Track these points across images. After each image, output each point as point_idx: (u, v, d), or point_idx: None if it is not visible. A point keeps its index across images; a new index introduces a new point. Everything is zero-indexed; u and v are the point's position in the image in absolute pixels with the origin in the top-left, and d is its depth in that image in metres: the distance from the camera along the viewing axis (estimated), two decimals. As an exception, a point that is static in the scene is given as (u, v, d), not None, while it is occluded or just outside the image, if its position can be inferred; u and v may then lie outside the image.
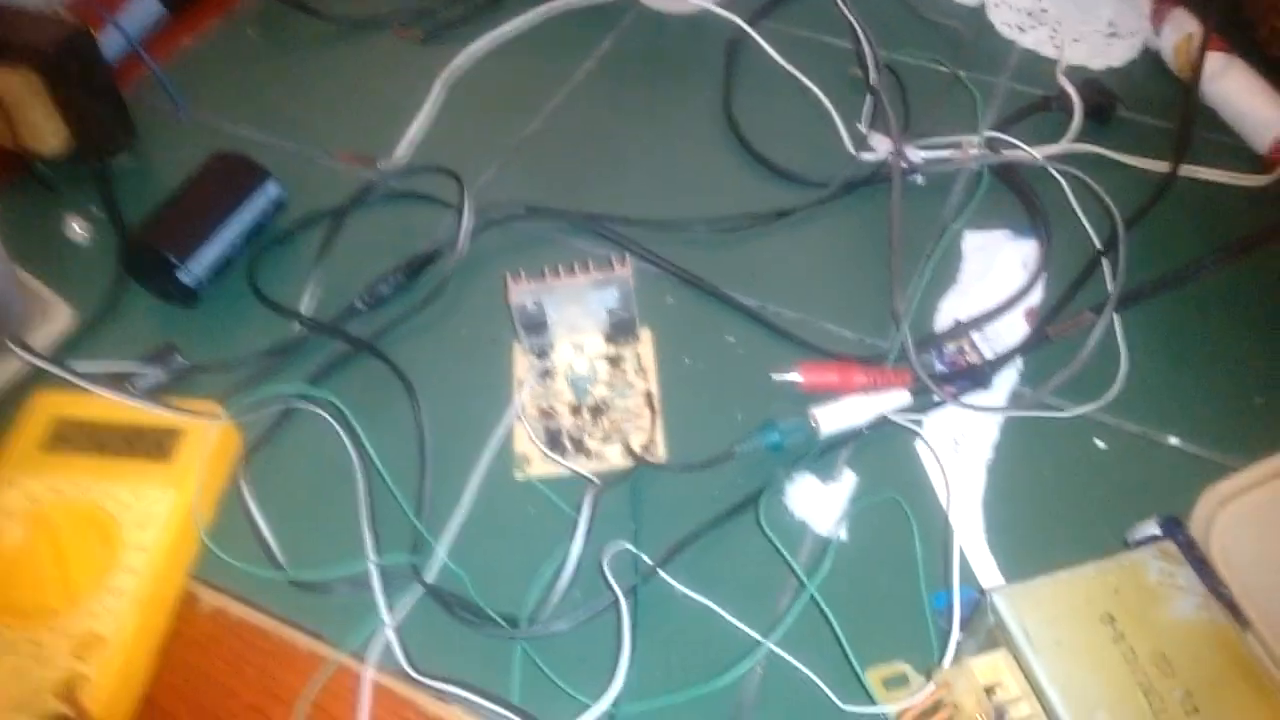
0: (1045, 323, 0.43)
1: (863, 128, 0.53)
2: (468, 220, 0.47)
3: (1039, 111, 0.53)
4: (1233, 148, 0.53)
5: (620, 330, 0.43)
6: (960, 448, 0.40)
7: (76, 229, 0.49)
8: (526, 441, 0.40)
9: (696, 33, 0.61)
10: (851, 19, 0.57)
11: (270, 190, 0.47)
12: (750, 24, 0.60)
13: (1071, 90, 0.53)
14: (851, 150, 0.52)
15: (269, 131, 0.54)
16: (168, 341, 0.43)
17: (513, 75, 0.58)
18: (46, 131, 0.50)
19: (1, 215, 0.49)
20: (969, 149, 0.51)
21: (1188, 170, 0.50)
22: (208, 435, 0.38)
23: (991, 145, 0.51)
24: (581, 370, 0.42)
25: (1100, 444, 0.40)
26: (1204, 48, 0.51)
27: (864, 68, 0.55)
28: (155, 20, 0.60)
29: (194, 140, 0.53)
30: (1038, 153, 0.50)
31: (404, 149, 0.53)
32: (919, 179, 0.51)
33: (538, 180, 0.52)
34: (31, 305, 0.44)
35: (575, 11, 0.62)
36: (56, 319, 0.44)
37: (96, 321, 0.45)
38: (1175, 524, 0.35)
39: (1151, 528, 0.35)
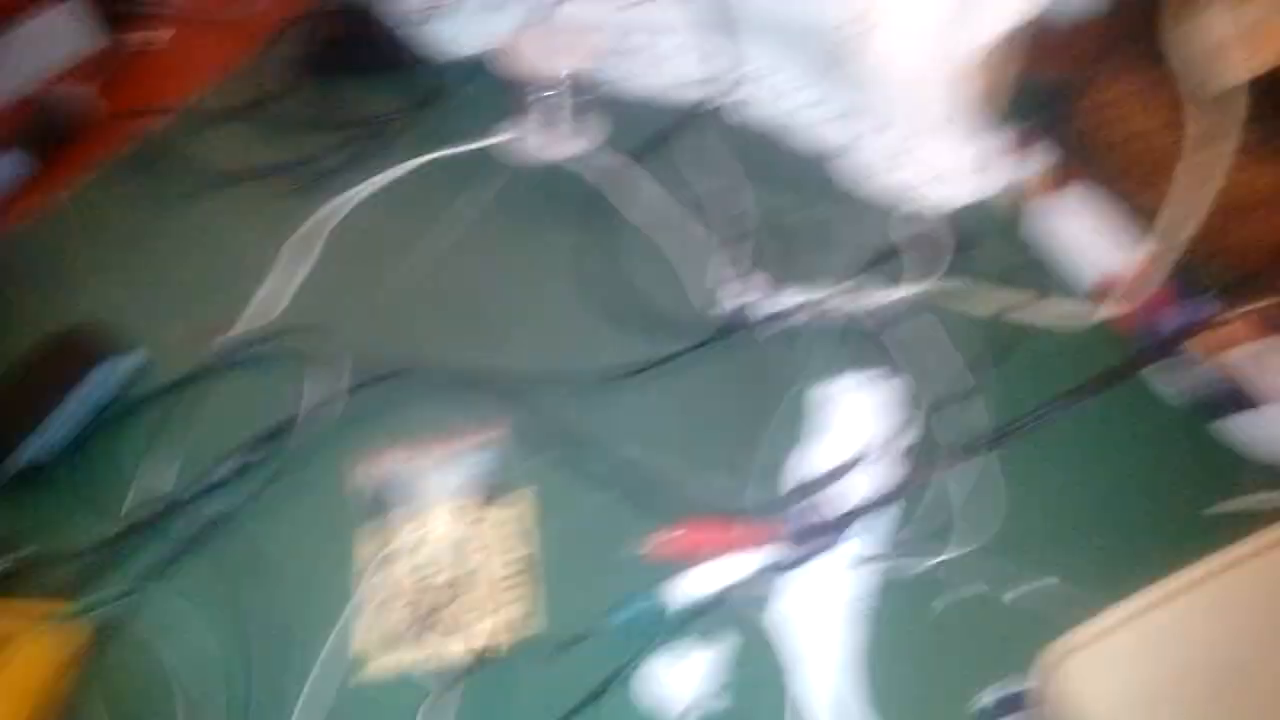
0: (888, 479, 0.45)
1: (726, 278, 0.55)
2: (344, 381, 0.47)
3: (891, 261, 0.56)
4: (1075, 285, 0.56)
5: (486, 494, 0.43)
6: (820, 605, 0.41)
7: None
8: (371, 633, 0.40)
9: (565, 183, 0.63)
10: (719, 164, 0.60)
11: (120, 362, 0.47)
12: (621, 174, 0.62)
13: (918, 242, 0.56)
14: (714, 304, 0.54)
15: (133, 291, 0.54)
16: (7, 531, 0.41)
17: (388, 229, 0.59)
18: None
19: None
20: (828, 298, 0.53)
21: (1025, 311, 0.53)
22: (40, 643, 0.37)
23: (848, 293, 0.54)
24: (453, 534, 0.42)
25: (937, 604, 0.42)
26: (1049, 185, 0.55)
27: (731, 216, 0.58)
28: (20, 173, 0.60)
29: (51, 299, 0.53)
30: (888, 299, 0.52)
31: (279, 307, 0.53)
32: (780, 327, 0.53)
33: (406, 338, 0.52)
34: None
35: (449, 161, 0.63)
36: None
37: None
38: (1015, 699, 0.36)
39: (997, 693, 0.36)
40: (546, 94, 0.62)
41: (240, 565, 0.41)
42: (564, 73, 0.60)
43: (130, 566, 0.41)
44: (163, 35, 0.74)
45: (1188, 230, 0.50)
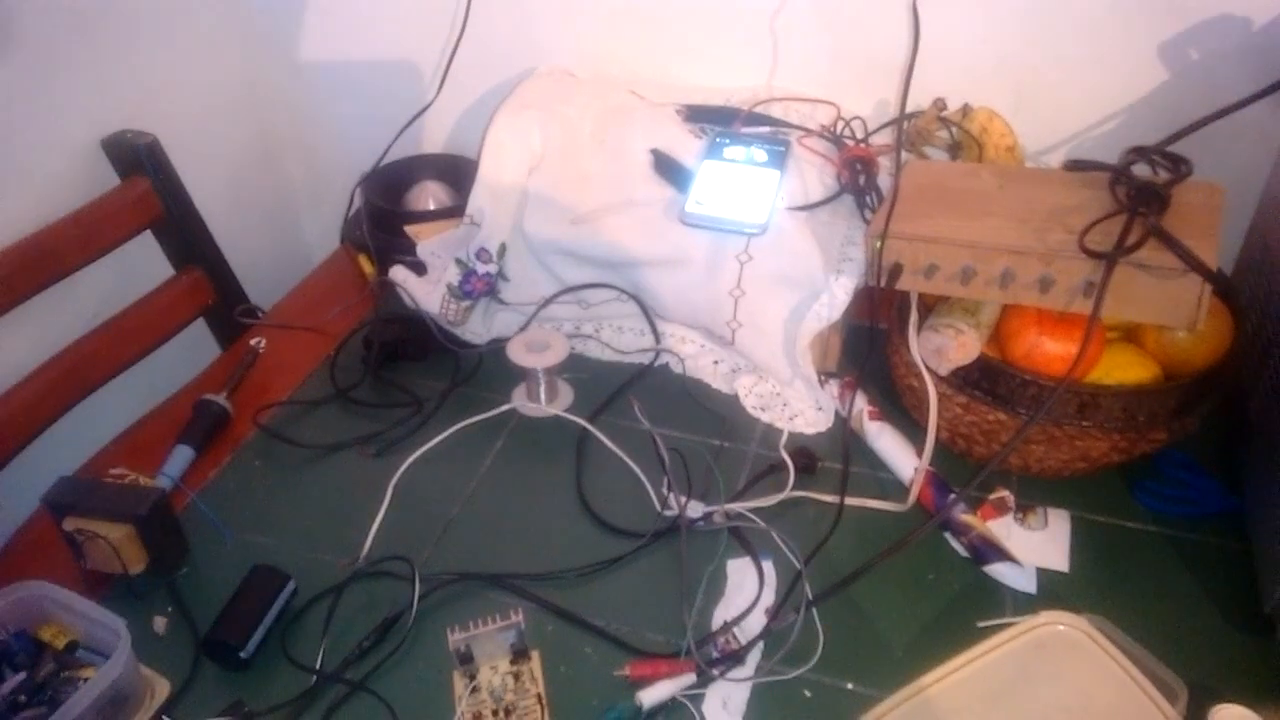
0: (772, 618, 0.73)
1: (664, 494, 0.84)
2: (417, 591, 0.75)
3: (770, 474, 0.86)
4: (892, 482, 0.86)
5: (519, 656, 0.71)
6: (727, 708, 0.68)
7: (159, 625, 0.75)
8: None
9: (558, 429, 0.93)
10: (649, 429, 0.90)
11: (289, 586, 0.75)
12: (590, 421, 0.93)
13: (788, 459, 0.86)
14: (658, 509, 0.84)
15: (278, 537, 0.82)
16: (237, 699, 0.68)
17: (439, 475, 0.88)
18: (135, 560, 0.77)
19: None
20: (733, 504, 0.82)
21: (857, 502, 0.82)
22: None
23: (747, 499, 0.83)
24: (496, 684, 0.70)
25: (807, 693, 0.69)
26: (870, 415, 0.86)
27: (659, 453, 0.88)
28: (189, 461, 0.89)
29: (229, 549, 0.81)
30: (765, 503, 0.82)
31: (371, 538, 0.81)
32: (700, 526, 0.82)
33: (462, 551, 0.80)
34: (143, 682, 0.69)
35: (476, 423, 0.93)
36: (160, 691, 0.69)
37: (185, 688, 0.70)
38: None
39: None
40: (530, 378, 0.93)
41: (388, 703, 0.68)
42: (540, 368, 0.92)
43: (310, 715, 0.68)
44: (263, 342, 1.05)
45: (934, 438, 0.80)
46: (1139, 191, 0.72)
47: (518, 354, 0.92)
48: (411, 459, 0.89)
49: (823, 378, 0.94)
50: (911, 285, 0.78)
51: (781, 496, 0.84)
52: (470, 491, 0.87)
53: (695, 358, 0.99)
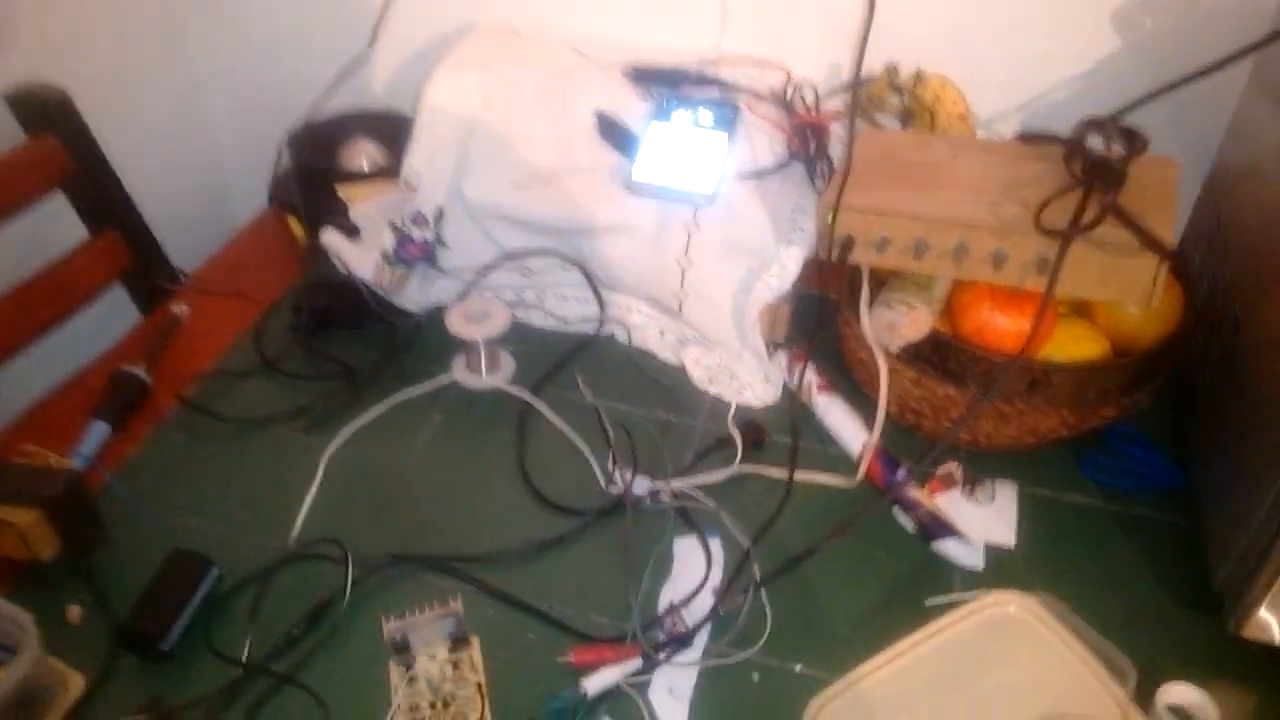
0: (719, 600, 0.71)
1: (609, 470, 0.82)
2: (350, 575, 0.71)
3: (717, 450, 0.84)
4: (841, 457, 0.84)
5: (457, 643, 0.68)
6: (674, 693, 0.67)
7: (74, 615, 0.70)
8: (404, 728, 0.64)
9: (499, 402, 0.89)
10: (593, 403, 0.87)
11: (212, 572, 0.71)
12: (533, 393, 0.89)
13: (736, 433, 0.84)
14: (603, 486, 0.81)
15: (202, 518, 0.78)
16: (155, 695, 0.65)
17: (373, 451, 0.84)
18: (45, 546, 0.72)
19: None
20: (679, 480, 0.80)
21: (806, 477, 0.81)
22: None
23: (693, 475, 0.81)
24: (434, 673, 0.67)
25: (755, 676, 0.68)
26: (819, 388, 0.84)
27: (603, 428, 0.85)
28: (105, 438, 0.84)
29: (148, 529, 0.76)
30: (713, 479, 0.80)
31: (302, 519, 0.77)
32: (646, 504, 0.80)
33: (398, 532, 0.77)
34: (54, 677, 0.65)
35: (413, 397, 0.89)
36: (74, 686, 0.65)
37: (100, 682, 0.66)
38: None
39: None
40: (470, 348, 0.90)
41: (309, 698, 0.65)
42: (480, 338, 0.88)
43: (234, 709, 0.65)
44: (186, 308, 1.00)
45: (884, 416, 0.79)
46: (1095, 167, 0.71)
47: (457, 324, 0.88)
48: (344, 434, 0.85)
49: (771, 348, 0.92)
50: (864, 259, 0.75)
51: (729, 472, 0.82)
52: (407, 468, 0.83)
53: (642, 328, 0.96)
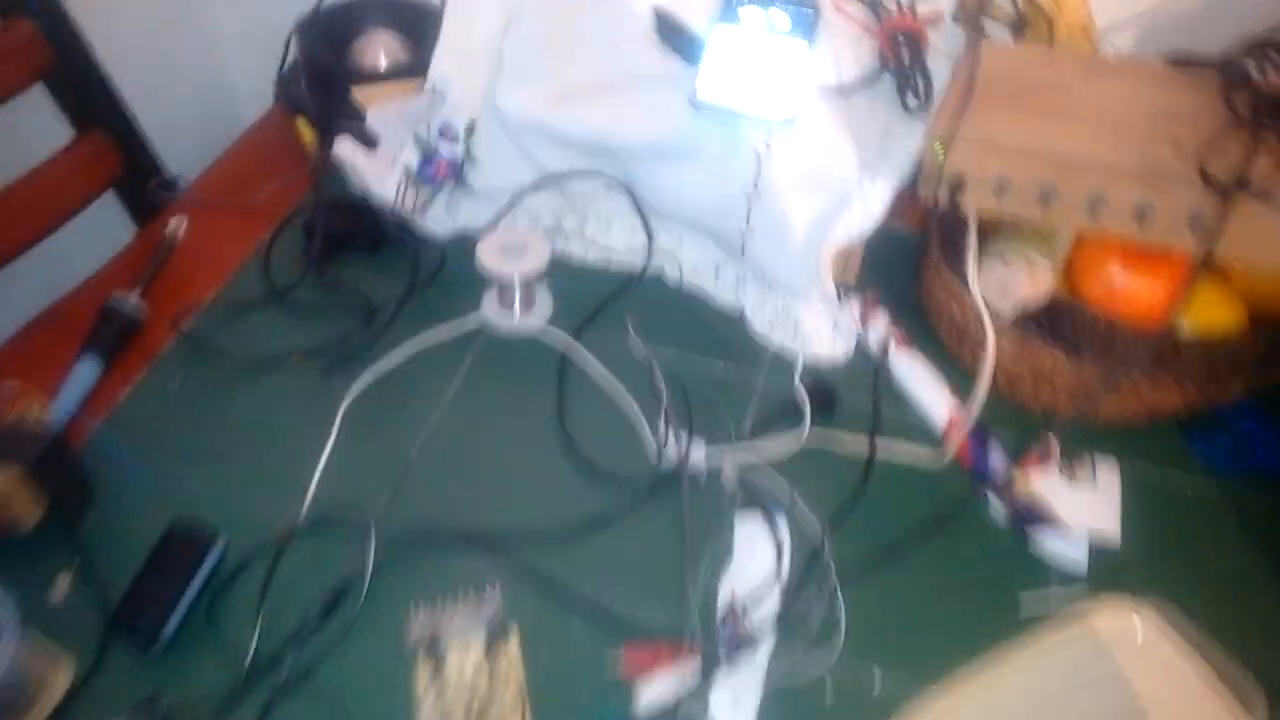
0: (788, 599, 0.63)
1: (664, 436, 0.72)
2: (372, 556, 0.63)
3: (782, 415, 0.74)
4: (921, 427, 0.74)
5: (494, 639, 0.60)
6: (738, 708, 0.59)
7: (62, 587, 0.62)
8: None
9: (536, 348, 0.79)
10: (655, 326, 0.77)
11: (216, 548, 0.63)
12: (575, 338, 0.79)
13: (805, 396, 0.74)
14: (655, 453, 0.72)
15: (203, 476, 0.69)
16: (151, 693, 0.57)
17: (396, 402, 0.75)
18: (27, 512, 0.64)
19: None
20: (740, 451, 0.71)
21: (885, 451, 0.71)
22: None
23: (756, 444, 0.71)
24: (468, 674, 0.59)
25: (829, 690, 0.60)
26: (898, 343, 0.74)
27: (668, 380, 0.75)
28: (95, 378, 0.74)
29: (142, 490, 0.68)
30: (780, 449, 0.70)
31: (316, 480, 0.68)
32: (704, 477, 0.70)
33: (424, 502, 0.68)
34: (41, 665, 0.57)
35: (439, 341, 0.79)
36: (62, 676, 0.58)
37: (91, 673, 0.59)
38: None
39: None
40: (504, 286, 0.79)
41: (324, 701, 0.57)
42: (516, 274, 0.77)
43: (244, 707, 0.57)
44: (184, 223, 0.89)
45: (986, 393, 0.68)
46: (1264, 103, 0.58)
47: (490, 258, 0.78)
48: (363, 381, 0.76)
49: (841, 292, 0.81)
50: (978, 203, 0.64)
51: (798, 442, 0.72)
52: (434, 424, 0.74)
53: (695, 264, 0.85)
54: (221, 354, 0.78)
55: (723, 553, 0.66)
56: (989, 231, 0.69)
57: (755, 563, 0.65)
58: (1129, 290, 0.63)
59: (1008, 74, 0.67)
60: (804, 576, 0.64)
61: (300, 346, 0.78)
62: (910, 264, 0.84)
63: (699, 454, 0.71)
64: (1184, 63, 0.66)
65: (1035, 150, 0.61)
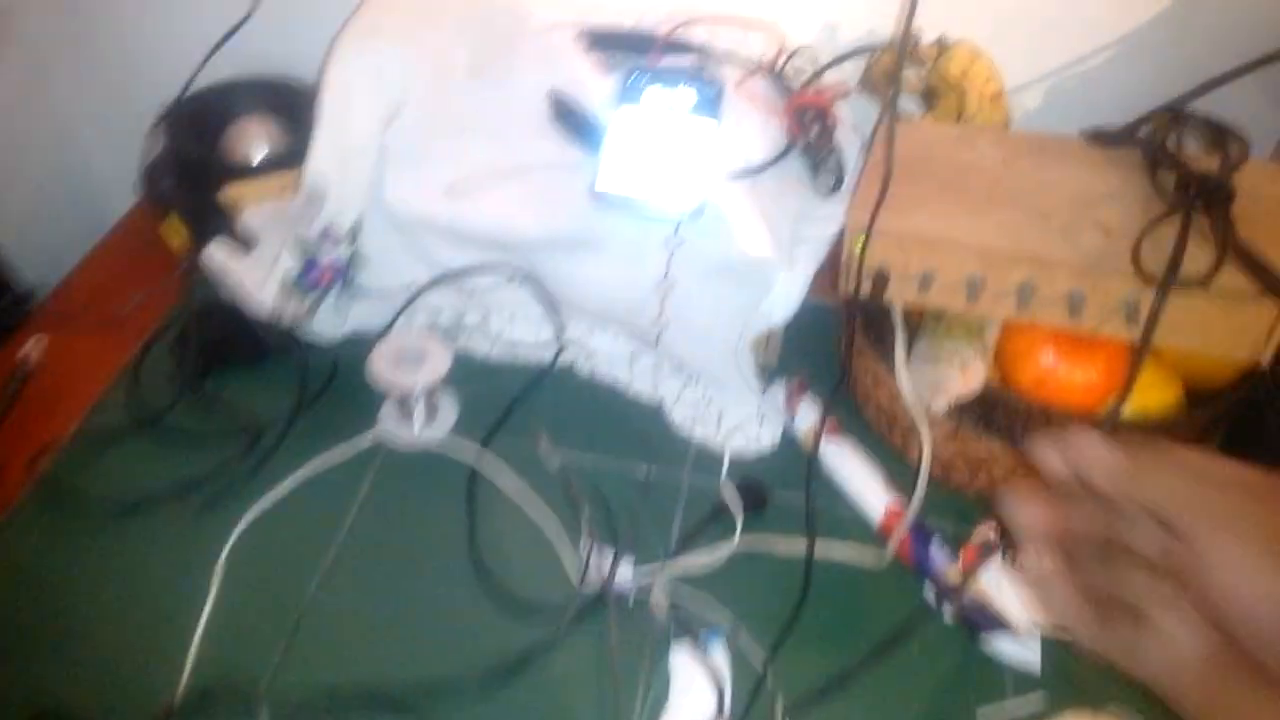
0: (733, 738, 0.57)
1: (582, 559, 0.66)
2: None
3: (710, 523, 0.69)
4: (855, 521, 0.70)
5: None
6: None
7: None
8: None
9: (442, 463, 0.73)
10: (567, 425, 0.71)
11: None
12: (483, 447, 0.73)
13: (734, 497, 0.69)
14: (577, 576, 0.66)
15: (65, 651, 0.61)
16: None
17: (286, 539, 0.67)
18: None
19: None
20: (667, 566, 0.65)
21: (824, 553, 0.67)
22: None
23: (684, 557, 0.66)
24: None
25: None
26: (817, 437, 0.70)
27: (575, 499, 0.69)
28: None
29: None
30: (710, 560, 0.65)
31: (195, 647, 0.61)
32: (632, 600, 0.65)
33: (321, 659, 0.61)
34: None
35: (334, 464, 0.72)
36: None
37: None
38: None
39: None
40: (402, 397, 0.73)
41: None
42: (415, 386, 0.71)
43: None
44: (42, 343, 0.80)
45: (923, 493, 0.64)
46: (1191, 182, 0.55)
47: (384, 369, 0.71)
48: (249, 516, 0.68)
49: (763, 376, 0.76)
50: (903, 297, 0.60)
51: (730, 550, 0.67)
52: (329, 563, 0.67)
53: (608, 355, 0.80)
54: (85, 498, 0.69)
55: (659, 688, 0.60)
56: (914, 317, 0.66)
57: (692, 700, 0.60)
58: (1063, 377, 0.60)
59: (924, 157, 0.64)
60: (747, 713, 0.59)
61: (175, 480, 0.70)
62: (832, 339, 0.81)
63: (626, 573, 0.65)
64: (1103, 140, 0.64)
65: (960, 241, 0.57)
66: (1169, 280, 0.51)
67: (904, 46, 0.55)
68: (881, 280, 0.59)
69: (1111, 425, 0.53)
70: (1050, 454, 0.36)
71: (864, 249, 0.58)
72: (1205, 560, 0.31)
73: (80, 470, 0.71)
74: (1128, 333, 0.55)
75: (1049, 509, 0.36)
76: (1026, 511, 0.36)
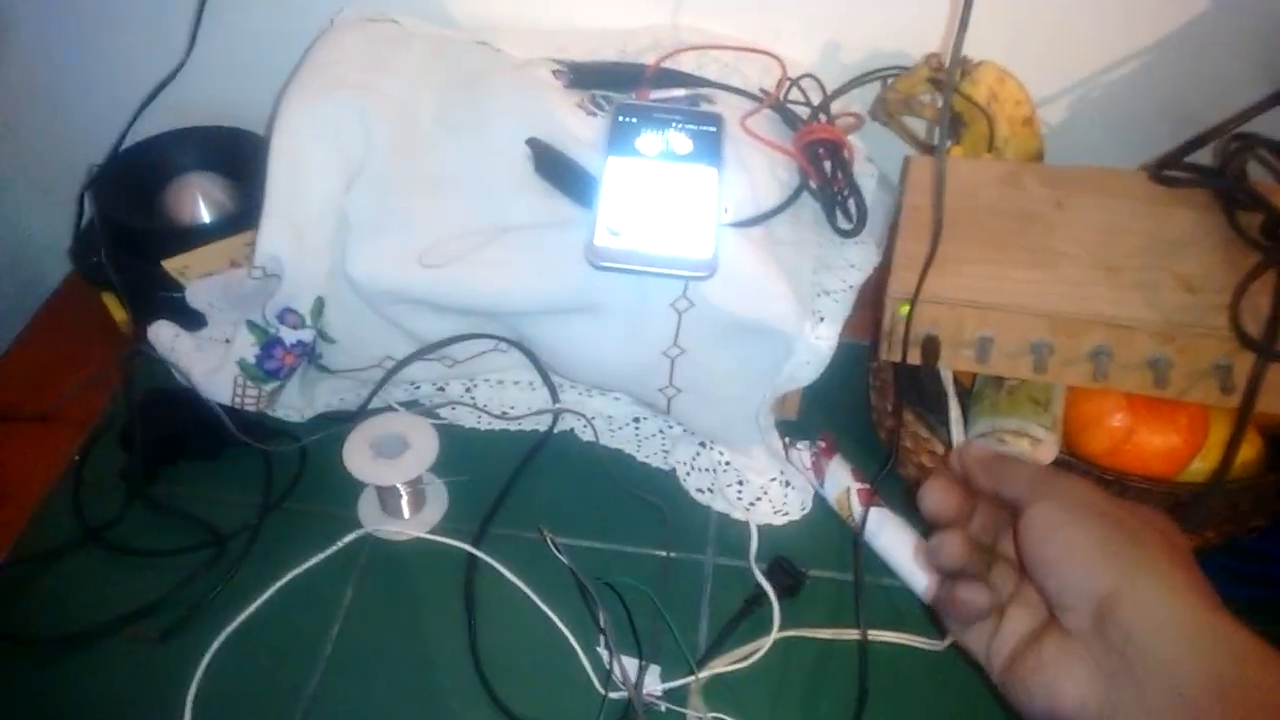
0: None
1: (600, 654, 0.59)
2: None
3: (744, 617, 0.61)
4: (903, 593, 0.63)
5: None
6: None
7: None
8: None
9: (433, 557, 0.64)
10: (568, 563, 0.63)
11: None
12: (478, 538, 0.65)
13: (765, 583, 0.62)
14: (596, 685, 0.58)
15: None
16: None
17: (262, 665, 0.59)
18: None
19: None
20: (696, 680, 0.58)
21: (876, 635, 0.60)
22: None
23: (719, 658, 0.59)
24: None
25: None
26: (862, 499, 0.63)
27: (590, 600, 0.61)
28: None
29: None
30: (746, 656, 0.58)
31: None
32: (661, 708, 0.57)
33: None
34: None
35: (312, 568, 0.64)
36: None
37: None
38: None
39: None
40: (384, 489, 0.64)
41: None
42: (399, 481, 0.63)
43: None
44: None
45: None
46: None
47: (360, 463, 0.63)
48: (219, 640, 0.60)
49: (786, 440, 0.69)
50: (957, 366, 0.53)
51: (768, 642, 0.60)
52: (315, 685, 0.59)
53: (610, 419, 0.72)
54: (25, 628, 0.60)
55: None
56: (963, 376, 0.59)
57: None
58: (1140, 443, 0.53)
59: (967, 203, 0.56)
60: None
61: (131, 602, 0.61)
62: (855, 380, 0.73)
63: (654, 680, 0.58)
64: (1167, 173, 0.57)
65: (1021, 304, 0.50)
66: (1272, 343, 0.44)
67: (952, 72, 0.48)
68: (932, 348, 0.52)
69: (1211, 498, 0.46)
70: (951, 459, 0.43)
71: (910, 314, 0.51)
72: (1023, 524, 0.36)
73: (16, 596, 0.62)
74: (1221, 400, 0.48)
75: (953, 497, 0.41)
76: (933, 498, 0.41)
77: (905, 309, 0.51)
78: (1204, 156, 0.59)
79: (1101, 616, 0.33)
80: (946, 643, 0.59)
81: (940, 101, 0.66)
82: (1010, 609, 0.39)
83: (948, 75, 0.46)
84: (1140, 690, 0.32)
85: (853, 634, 0.59)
